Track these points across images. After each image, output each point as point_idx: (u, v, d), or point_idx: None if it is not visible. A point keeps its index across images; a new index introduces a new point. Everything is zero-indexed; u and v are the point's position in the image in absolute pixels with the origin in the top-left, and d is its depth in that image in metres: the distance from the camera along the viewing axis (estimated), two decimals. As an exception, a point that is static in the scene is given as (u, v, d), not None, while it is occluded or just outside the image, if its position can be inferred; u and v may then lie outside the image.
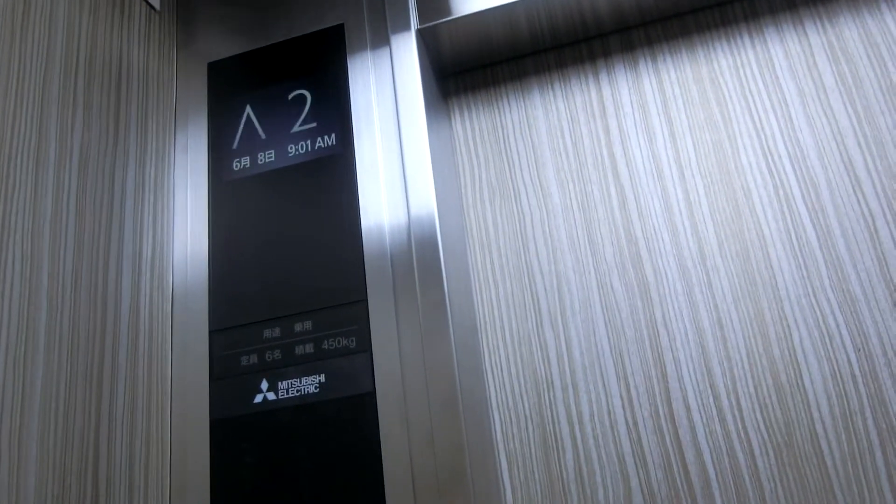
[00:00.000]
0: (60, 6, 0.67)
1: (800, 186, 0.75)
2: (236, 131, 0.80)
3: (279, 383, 0.69)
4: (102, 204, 0.67)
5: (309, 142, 0.77)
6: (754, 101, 0.80)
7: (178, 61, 0.86)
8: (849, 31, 0.80)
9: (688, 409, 0.71)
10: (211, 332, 0.72)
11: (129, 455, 0.64)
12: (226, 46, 0.85)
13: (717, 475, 0.69)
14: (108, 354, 0.64)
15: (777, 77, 0.80)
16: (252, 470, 0.66)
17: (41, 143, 0.61)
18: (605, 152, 0.83)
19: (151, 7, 0.83)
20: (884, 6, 0.80)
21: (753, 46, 0.82)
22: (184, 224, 0.77)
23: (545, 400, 0.75)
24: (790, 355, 0.70)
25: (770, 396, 0.70)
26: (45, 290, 0.58)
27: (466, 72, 0.92)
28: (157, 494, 0.66)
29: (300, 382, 0.68)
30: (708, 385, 0.71)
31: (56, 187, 0.61)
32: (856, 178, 0.74)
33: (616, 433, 0.72)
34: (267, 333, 0.71)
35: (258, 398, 0.69)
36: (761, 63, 0.81)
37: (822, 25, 0.81)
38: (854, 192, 0.74)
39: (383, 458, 0.64)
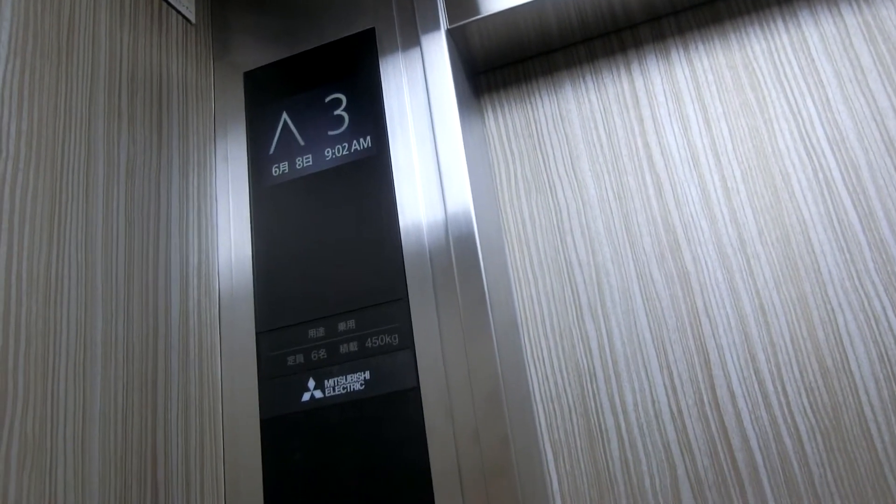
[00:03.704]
0: (102, 24, 0.69)
1: (840, 169, 0.75)
2: (274, 138, 0.82)
3: (325, 382, 0.70)
4: (150, 213, 0.69)
5: (345, 145, 0.78)
6: (790, 85, 0.79)
7: (214, 72, 0.88)
8: (885, 10, 0.79)
9: (732, 395, 0.71)
10: (258, 334, 0.74)
11: (185, 455, 0.66)
12: (260, 55, 0.86)
13: (764, 461, 0.68)
14: (161, 359, 0.66)
15: (813, 59, 0.79)
16: (302, 466, 0.68)
17: (90, 157, 0.63)
18: (639, 142, 0.82)
19: (187, 20, 0.85)
20: (920, -19, 0.78)
21: (787, 30, 0.82)
22: (227, 230, 0.80)
23: (588, 391, 0.76)
24: (835, 339, 0.70)
25: (816, 381, 0.69)
26: (100, 299, 0.60)
27: (497, 69, 0.93)
28: (212, 491, 0.68)
29: (346, 380, 0.70)
30: (752, 371, 0.71)
31: (106, 199, 0.64)
32: (897, 157, 0.73)
33: (661, 421, 0.72)
34: (312, 333, 0.72)
35: (306, 397, 0.70)
36: (796, 46, 0.81)
37: (858, 5, 0.80)
38: (896, 171, 0.73)
39: (429, 452, 0.65)
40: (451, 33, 0.82)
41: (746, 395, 0.71)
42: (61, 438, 0.53)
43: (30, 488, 0.49)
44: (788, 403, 0.69)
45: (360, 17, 0.83)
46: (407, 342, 0.69)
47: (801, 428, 0.68)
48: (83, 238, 0.60)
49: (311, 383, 0.71)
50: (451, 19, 0.82)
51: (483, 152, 0.85)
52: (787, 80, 0.79)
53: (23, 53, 0.58)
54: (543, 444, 0.75)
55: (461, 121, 0.76)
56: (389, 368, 0.69)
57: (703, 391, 0.72)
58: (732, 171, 0.78)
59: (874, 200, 0.72)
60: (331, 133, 0.79)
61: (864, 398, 0.67)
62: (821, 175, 0.75)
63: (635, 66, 0.86)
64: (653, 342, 0.75)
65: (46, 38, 0.61)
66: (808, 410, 0.69)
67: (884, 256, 0.70)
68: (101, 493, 0.55)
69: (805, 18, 0.81)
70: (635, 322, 0.76)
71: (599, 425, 0.74)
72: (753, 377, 0.71)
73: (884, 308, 0.69)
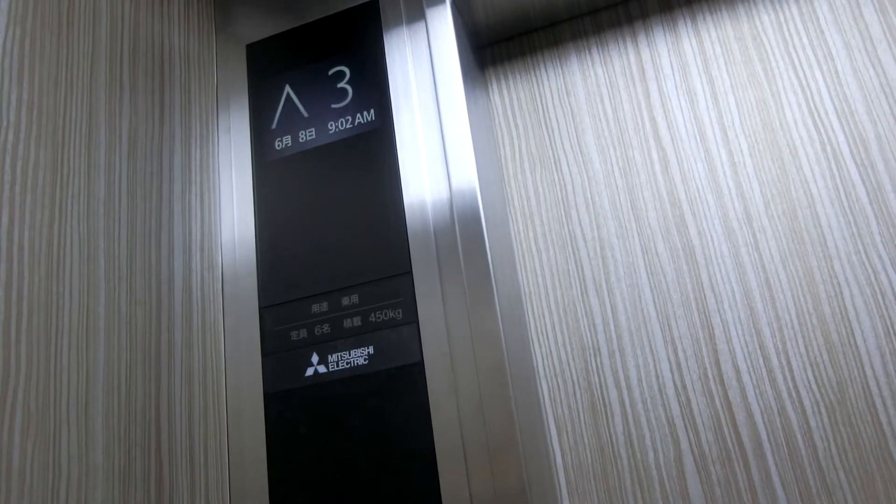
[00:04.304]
0: (103, -5, 0.68)
1: (848, 142, 0.74)
2: (277, 111, 0.81)
3: (329, 356, 0.70)
4: (152, 186, 0.69)
5: (349, 118, 0.77)
6: (798, 57, 0.78)
7: (217, 44, 0.87)
8: (896, -20, 0.77)
9: (737, 370, 0.71)
10: (261, 309, 0.74)
11: (189, 429, 0.66)
12: (263, 27, 0.85)
13: (768, 435, 0.68)
14: (164, 333, 0.66)
15: (822, 31, 0.78)
16: (306, 441, 0.68)
17: (92, 129, 0.62)
18: (645, 116, 0.82)
19: (189, -8, 0.84)
20: (933, -49, 0.77)
21: (797, 0, 0.80)
22: (230, 204, 0.79)
23: (592, 366, 0.75)
24: (841, 313, 0.69)
25: (821, 355, 0.69)
26: (102, 271, 0.60)
27: (502, 41, 0.92)
28: (216, 465, 0.68)
29: (349, 355, 0.69)
30: (757, 346, 0.71)
31: (108, 171, 0.63)
32: (907, 130, 0.72)
33: (665, 397, 0.72)
34: (315, 308, 0.72)
35: (309, 371, 0.70)
36: (805, 17, 0.79)
37: (868, -25, 0.79)
38: (905, 145, 0.72)
39: (433, 427, 0.65)
40: (455, 5, 0.81)
41: (751, 369, 0.70)
42: (64, 410, 0.53)
43: (33, 458, 0.49)
44: (793, 378, 0.69)
45: (364, -12, 0.82)
46: (411, 317, 0.69)
47: (806, 402, 0.68)
48: (85, 210, 0.59)
49: (315, 358, 0.70)
50: (455, -9, 0.81)
51: (488, 126, 0.84)
52: (796, 52, 0.78)
53: (23, 22, 0.57)
54: (547, 419, 0.75)
55: (466, 94, 0.75)
56: (393, 343, 0.69)
57: (708, 366, 0.72)
58: (739, 144, 0.77)
59: (882, 174, 0.72)
60: (334, 106, 0.79)
61: (869, 373, 0.67)
62: (829, 148, 0.74)
63: (642, 38, 0.85)
64: (657, 317, 0.75)
65: (46, 7, 0.60)
66: (813, 385, 0.68)
67: (891, 231, 0.70)
68: (104, 465, 0.55)
69: (815, -10, 0.80)
70: (640, 297, 0.76)
71: (603, 400, 0.74)
72: (758, 352, 0.71)
73: (891, 282, 0.69)
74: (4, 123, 0.53)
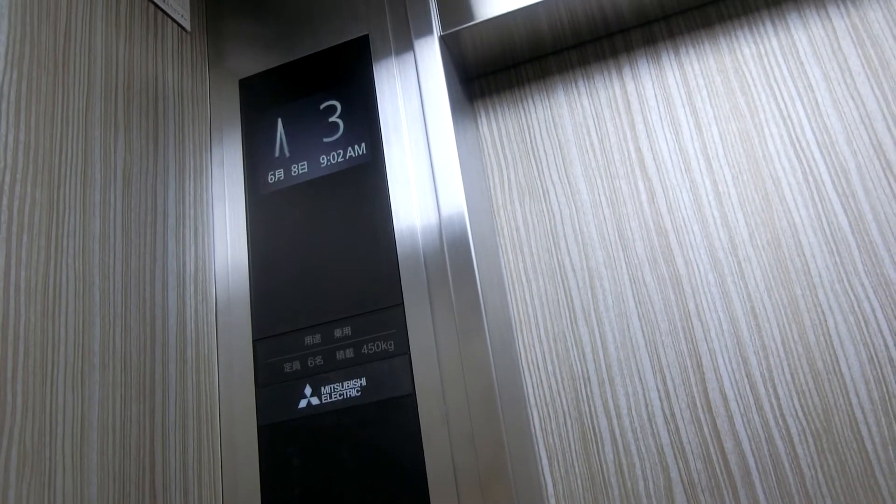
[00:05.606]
0: (98, 34, 0.70)
1: (829, 172, 0.75)
2: (270, 145, 0.82)
3: (322, 388, 0.71)
4: (146, 221, 0.70)
5: (340, 152, 0.79)
6: (779, 89, 0.80)
7: (210, 79, 0.88)
8: (873, 13, 0.79)
9: (725, 398, 0.72)
10: (254, 341, 0.75)
11: (183, 462, 0.66)
12: (255, 63, 0.87)
13: (756, 463, 0.69)
14: (158, 367, 0.66)
15: (802, 63, 0.80)
16: (300, 472, 0.69)
17: (87, 166, 0.63)
18: (631, 147, 0.83)
19: (182, 28, 0.85)
20: (908, -14, 0.79)
21: (777, 34, 0.82)
22: (224, 237, 0.80)
23: (582, 395, 0.76)
24: (826, 341, 0.71)
25: (807, 383, 0.70)
26: (97, 308, 0.60)
27: (490, 74, 0.93)
28: (210, 498, 0.69)
29: (342, 387, 0.70)
30: (744, 374, 0.72)
31: (103, 207, 0.64)
32: (886, 160, 0.74)
33: (654, 425, 0.73)
34: (308, 340, 0.73)
35: (303, 403, 0.71)
36: (785, 50, 0.81)
37: (846, 8, 0.81)
38: (885, 174, 0.73)
39: (425, 457, 0.66)
40: (444, 39, 0.83)
41: (738, 398, 0.71)
42: (60, 447, 0.53)
43: (29, 497, 0.50)
44: (780, 406, 0.70)
45: (355, 23, 0.84)
46: (403, 348, 0.69)
47: (793, 430, 0.69)
48: (80, 247, 0.60)
49: (308, 390, 0.71)
50: (444, 26, 0.82)
51: (477, 157, 0.86)
52: (777, 84, 0.80)
53: (20, 64, 0.58)
54: (538, 448, 0.76)
55: (455, 126, 0.77)
56: (385, 375, 0.69)
57: (696, 394, 0.73)
58: (723, 175, 0.79)
59: (863, 203, 0.73)
60: (326, 140, 0.80)
61: (854, 400, 0.68)
62: (811, 178, 0.76)
63: (627, 71, 0.87)
64: (646, 346, 0.76)
65: (43, 49, 0.62)
66: (800, 413, 0.69)
67: (873, 259, 0.71)
68: (99, 502, 0.56)
69: (794, 21, 0.82)
70: (628, 326, 0.77)
71: (593, 429, 0.75)
72: (745, 380, 0.72)
73: (873, 310, 0.70)
74: (1, 165, 0.54)
